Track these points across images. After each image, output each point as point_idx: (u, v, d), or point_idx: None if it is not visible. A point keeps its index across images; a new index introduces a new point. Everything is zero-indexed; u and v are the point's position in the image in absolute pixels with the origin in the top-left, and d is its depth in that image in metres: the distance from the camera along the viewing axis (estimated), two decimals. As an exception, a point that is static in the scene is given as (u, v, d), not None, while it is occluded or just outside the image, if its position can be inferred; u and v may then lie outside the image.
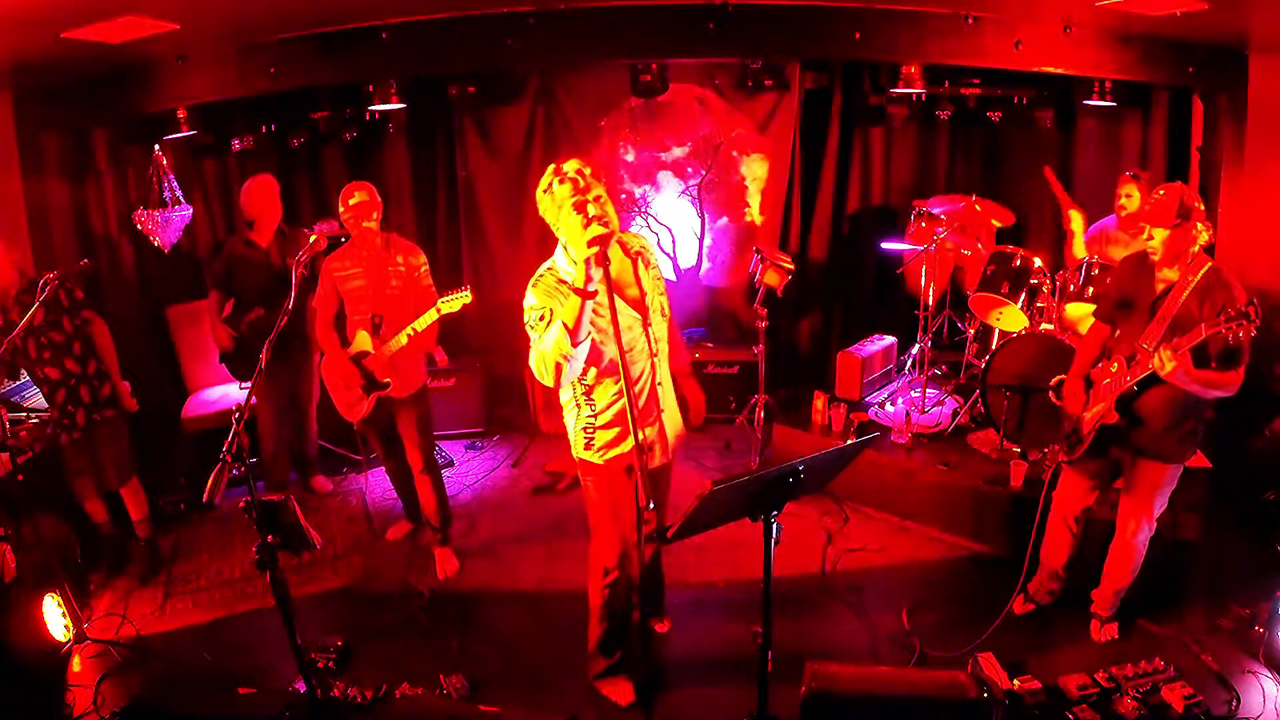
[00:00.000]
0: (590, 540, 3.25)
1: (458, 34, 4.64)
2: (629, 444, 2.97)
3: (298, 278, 3.27)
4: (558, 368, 2.71)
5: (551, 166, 2.75)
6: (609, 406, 2.97)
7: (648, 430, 3.03)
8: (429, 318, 3.94)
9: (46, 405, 4.14)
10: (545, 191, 2.73)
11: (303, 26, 4.56)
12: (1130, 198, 4.62)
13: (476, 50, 4.74)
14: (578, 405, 3.02)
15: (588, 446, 3.04)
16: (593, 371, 2.90)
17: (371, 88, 5.24)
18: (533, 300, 2.81)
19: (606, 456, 3.03)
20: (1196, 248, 3.14)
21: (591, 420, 3.00)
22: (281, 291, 4.36)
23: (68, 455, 4.11)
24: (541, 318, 2.77)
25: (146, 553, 4.41)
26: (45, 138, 4.90)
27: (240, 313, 4.75)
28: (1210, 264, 3.11)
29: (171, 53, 4.56)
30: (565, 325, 2.65)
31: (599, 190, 2.71)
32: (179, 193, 4.99)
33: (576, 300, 2.64)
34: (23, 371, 4.44)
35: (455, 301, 3.95)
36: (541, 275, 2.86)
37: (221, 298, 4.79)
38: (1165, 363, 2.91)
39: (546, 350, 2.71)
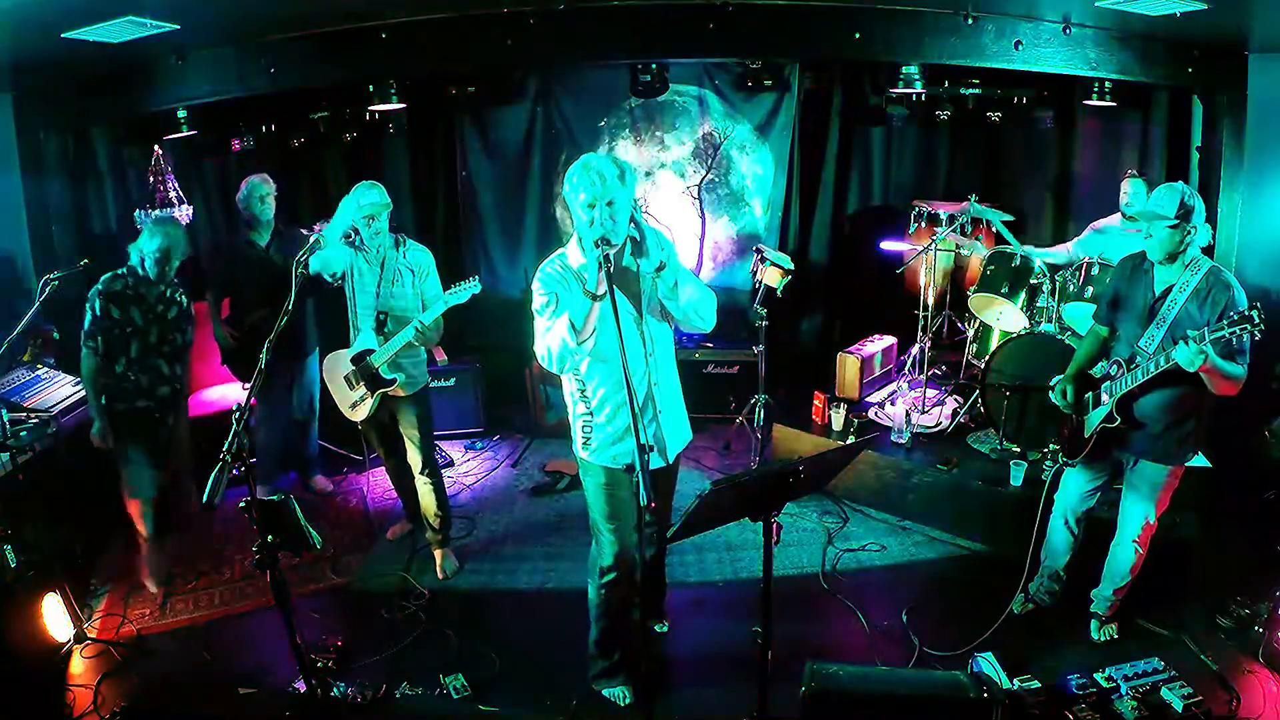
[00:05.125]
0: (591, 541, 3.26)
1: (458, 34, 4.64)
2: (627, 445, 2.96)
3: (298, 277, 3.27)
4: (561, 359, 2.79)
5: (587, 156, 2.74)
6: (605, 403, 2.97)
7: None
8: (434, 310, 3.94)
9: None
10: (568, 178, 2.75)
11: (302, 26, 4.56)
12: (1136, 195, 4.63)
13: (476, 50, 4.74)
14: (574, 401, 3.04)
15: (585, 444, 3.05)
16: (588, 365, 2.92)
17: (371, 88, 5.24)
18: (540, 286, 2.87)
19: (604, 457, 3.03)
20: (1196, 248, 3.13)
21: (589, 417, 3.01)
22: (283, 291, 4.35)
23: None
24: (549, 304, 2.83)
25: (156, 552, 4.36)
26: (45, 138, 4.90)
27: (242, 313, 4.75)
28: (1210, 265, 3.11)
29: (171, 53, 4.56)
30: (573, 323, 2.70)
31: (617, 195, 2.68)
32: (179, 192, 5.00)
33: (588, 302, 2.69)
34: (22, 371, 4.44)
35: (464, 292, 3.94)
36: (551, 262, 2.92)
37: (217, 298, 4.78)
38: (1192, 357, 2.84)
39: (553, 343, 2.77)
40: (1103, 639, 3.60)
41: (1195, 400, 3.16)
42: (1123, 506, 3.45)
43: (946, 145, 6.40)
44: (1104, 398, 3.30)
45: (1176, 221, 3.04)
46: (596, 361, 2.92)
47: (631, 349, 2.85)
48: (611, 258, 2.62)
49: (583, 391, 3.00)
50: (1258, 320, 2.77)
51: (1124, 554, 3.46)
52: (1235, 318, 2.80)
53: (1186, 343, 2.85)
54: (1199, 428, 3.27)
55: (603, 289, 2.62)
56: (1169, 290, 3.15)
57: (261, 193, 4.64)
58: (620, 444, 2.99)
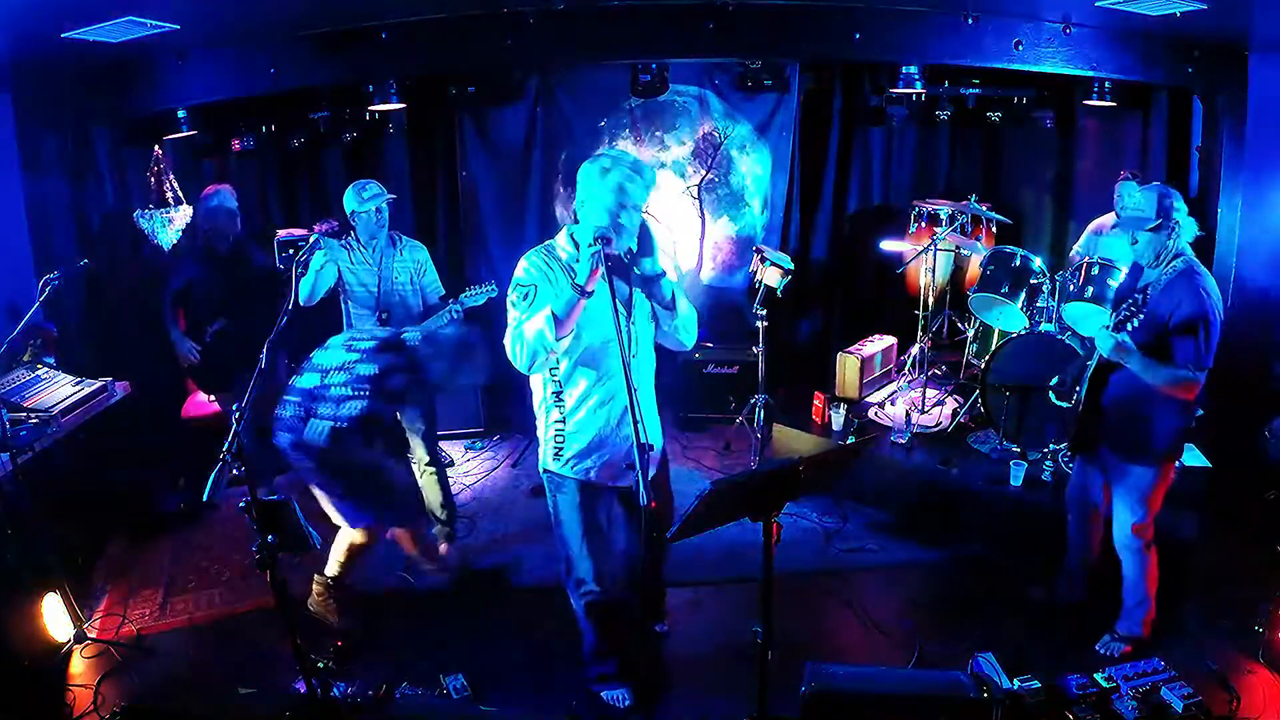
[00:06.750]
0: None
1: (458, 34, 4.64)
2: (602, 456, 2.90)
3: (297, 277, 3.28)
4: (533, 354, 2.67)
5: (634, 159, 2.69)
6: (580, 407, 2.85)
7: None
8: (444, 315, 3.96)
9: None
10: (601, 166, 2.66)
11: (302, 26, 4.56)
12: (1131, 197, 4.64)
13: (476, 50, 4.75)
14: (547, 407, 2.92)
15: (556, 455, 2.93)
16: (566, 364, 2.82)
17: (371, 88, 5.24)
18: (520, 274, 2.76)
19: (576, 469, 2.92)
20: (1183, 243, 3.14)
21: (561, 426, 2.89)
22: (242, 300, 4.36)
23: None
24: (526, 296, 2.71)
25: None
26: (45, 138, 4.89)
27: (200, 324, 4.72)
28: (1187, 266, 3.10)
29: (172, 53, 4.57)
30: (554, 316, 2.60)
31: (641, 199, 2.66)
32: (178, 193, 4.99)
33: (573, 295, 2.59)
34: (22, 371, 4.44)
35: (479, 295, 3.97)
36: (537, 251, 2.81)
37: (174, 309, 4.75)
38: (1103, 340, 3.00)
39: (528, 338, 2.65)
40: (1104, 653, 3.49)
41: (1151, 398, 3.13)
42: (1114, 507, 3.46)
43: (946, 145, 6.40)
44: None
45: (1158, 221, 3.07)
46: (577, 362, 2.81)
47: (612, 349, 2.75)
48: (610, 256, 2.58)
49: (558, 395, 2.87)
50: (1137, 307, 2.98)
51: (1121, 558, 3.43)
52: (1130, 305, 2.94)
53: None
54: (1177, 431, 3.22)
55: (593, 285, 2.57)
56: (1147, 286, 3.20)
57: (234, 205, 4.67)
58: (594, 455, 2.89)
